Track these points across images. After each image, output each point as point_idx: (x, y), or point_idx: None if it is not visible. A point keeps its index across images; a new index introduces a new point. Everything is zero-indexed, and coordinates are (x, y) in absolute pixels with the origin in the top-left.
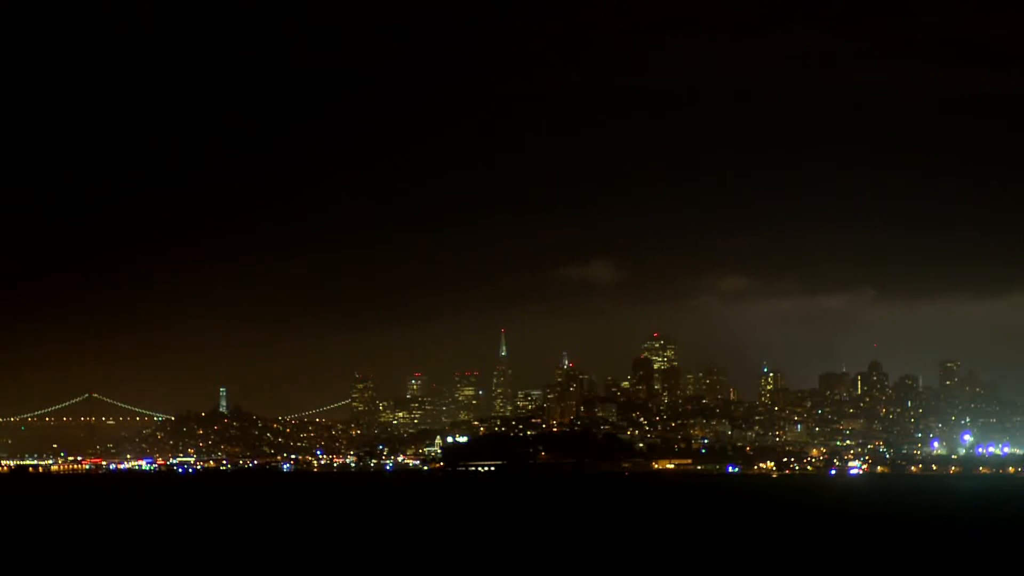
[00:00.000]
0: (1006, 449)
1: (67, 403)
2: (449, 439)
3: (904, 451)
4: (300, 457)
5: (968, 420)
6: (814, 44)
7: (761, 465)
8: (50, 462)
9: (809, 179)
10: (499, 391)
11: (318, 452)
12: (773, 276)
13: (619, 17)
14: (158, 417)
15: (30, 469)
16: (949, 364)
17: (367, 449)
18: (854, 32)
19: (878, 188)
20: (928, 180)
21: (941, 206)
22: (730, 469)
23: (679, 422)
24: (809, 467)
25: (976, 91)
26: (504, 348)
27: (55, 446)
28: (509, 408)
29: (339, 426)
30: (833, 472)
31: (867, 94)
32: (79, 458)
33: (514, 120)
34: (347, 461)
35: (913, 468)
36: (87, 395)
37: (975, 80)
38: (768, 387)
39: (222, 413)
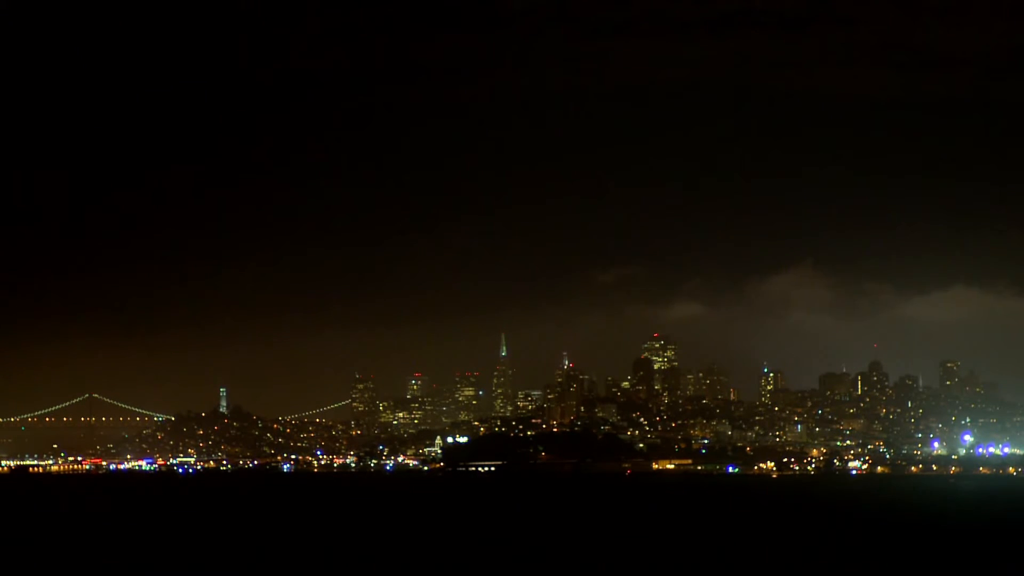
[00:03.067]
0: (1006, 449)
1: (67, 403)
2: (449, 439)
3: (904, 451)
4: (300, 457)
5: (968, 420)
6: (761, 48)
7: (761, 465)
8: (50, 462)
9: (804, 179)
10: (499, 391)
11: (318, 452)
12: (774, 276)
13: (566, 22)
14: (158, 417)
15: (30, 469)
16: (949, 364)
17: (367, 449)
18: (801, 36)
19: (877, 188)
20: (927, 180)
21: (942, 205)
22: (730, 469)
23: (679, 422)
24: (809, 467)
25: (945, 93)
26: (504, 348)
27: (55, 446)
28: (509, 408)
29: (339, 426)
30: (835, 470)
31: (832, 95)
32: (79, 458)
33: (506, 120)
34: (347, 461)
35: (913, 468)
36: (87, 395)
37: (929, 82)
38: (768, 387)
39: (222, 413)
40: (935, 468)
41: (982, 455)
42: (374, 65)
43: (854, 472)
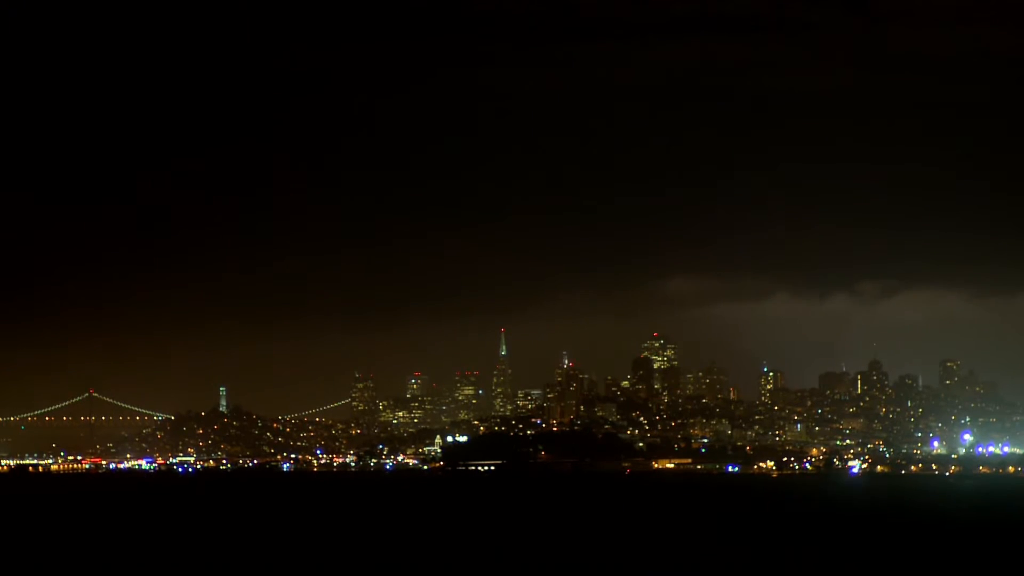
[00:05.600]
0: (1006, 449)
1: (67, 403)
2: (449, 438)
3: (904, 451)
4: (300, 457)
5: (968, 420)
6: (719, 50)
7: (761, 465)
8: (50, 462)
9: (801, 178)
10: (499, 390)
11: (318, 452)
12: (773, 275)
13: (526, 25)
14: (158, 416)
15: (30, 468)
16: (949, 364)
17: (367, 449)
18: (759, 39)
19: (877, 188)
20: (926, 179)
21: (942, 205)
22: (730, 469)
23: (679, 421)
24: (809, 467)
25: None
26: (504, 347)
27: (55, 446)
28: (509, 408)
29: (339, 426)
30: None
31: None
32: (79, 457)
33: (506, 122)
34: (347, 461)
35: (913, 468)
36: (87, 395)
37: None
38: (768, 386)
39: (222, 413)
40: (935, 468)
41: (982, 455)
42: (371, 67)
43: (855, 471)
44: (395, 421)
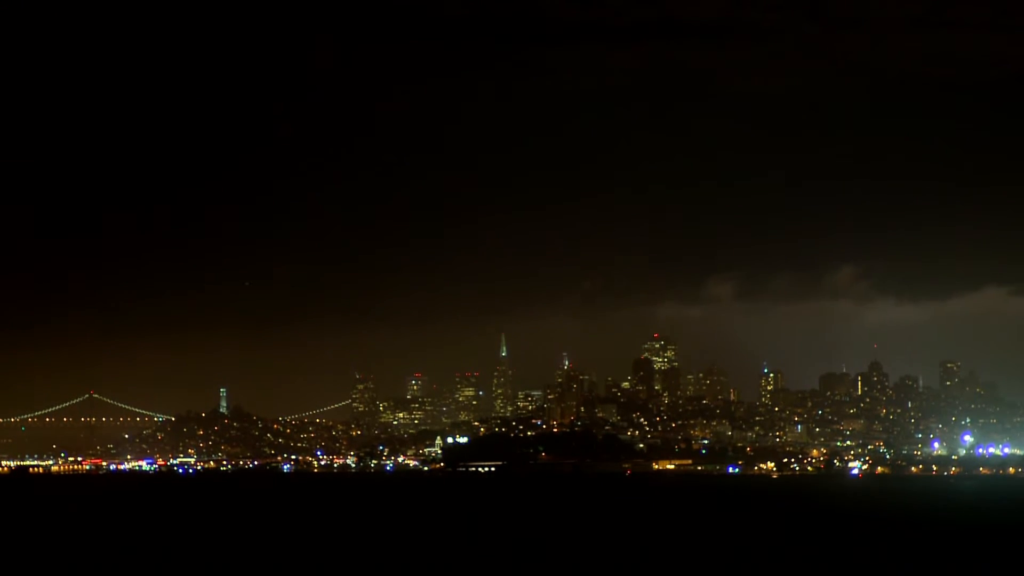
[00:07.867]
0: (1006, 449)
1: (67, 403)
2: (449, 439)
3: (904, 451)
4: (300, 458)
5: (968, 420)
6: (685, 55)
7: (761, 465)
8: (50, 462)
9: (801, 180)
10: (499, 391)
11: (318, 452)
12: (773, 276)
13: (494, 29)
14: (158, 417)
15: (31, 469)
16: (949, 364)
17: (367, 449)
18: (721, 45)
19: (877, 188)
20: (925, 180)
21: (941, 206)
22: (730, 470)
23: (679, 422)
24: (809, 467)
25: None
26: (504, 348)
27: (55, 446)
28: (509, 408)
29: (339, 426)
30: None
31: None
32: (79, 458)
33: (506, 122)
34: (347, 461)
35: (913, 468)
36: (87, 395)
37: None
38: (768, 387)
39: (222, 413)
40: (935, 469)
41: (982, 455)
42: (372, 70)
43: (854, 472)
44: (395, 422)
